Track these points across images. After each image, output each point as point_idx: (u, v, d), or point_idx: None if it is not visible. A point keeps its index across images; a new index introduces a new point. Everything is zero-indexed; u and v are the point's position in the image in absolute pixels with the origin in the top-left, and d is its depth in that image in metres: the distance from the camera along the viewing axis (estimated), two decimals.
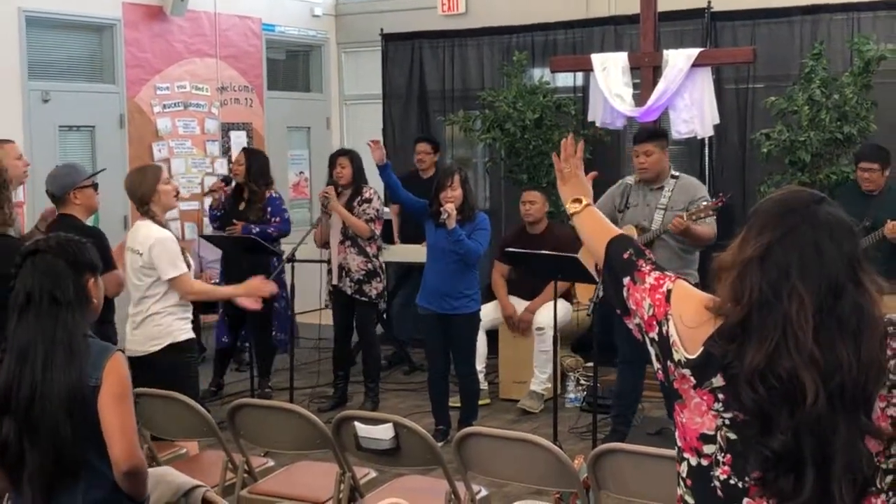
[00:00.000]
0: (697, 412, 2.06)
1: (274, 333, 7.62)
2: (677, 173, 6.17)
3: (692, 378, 2.05)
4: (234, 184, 7.66)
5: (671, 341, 2.10)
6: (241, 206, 7.49)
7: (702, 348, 2.04)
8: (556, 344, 6.27)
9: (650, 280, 2.21)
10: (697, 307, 2.09)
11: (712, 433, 2.04)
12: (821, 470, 1.91)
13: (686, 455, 2.10)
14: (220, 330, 7.78)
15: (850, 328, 1.92)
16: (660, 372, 2.14)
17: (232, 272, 7.33)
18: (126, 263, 5.18)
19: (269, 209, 7.47)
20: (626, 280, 2.24)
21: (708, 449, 2.05)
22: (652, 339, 2.16)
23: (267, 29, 10.27)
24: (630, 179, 6.28)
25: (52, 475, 2.93)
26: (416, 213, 6.54)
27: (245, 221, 7.36)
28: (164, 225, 5.14)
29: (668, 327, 2.11)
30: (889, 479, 1.99)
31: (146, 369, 4.99)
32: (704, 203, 5.81)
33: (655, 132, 6.30)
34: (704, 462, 2.06)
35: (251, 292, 5.32)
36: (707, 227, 5.81)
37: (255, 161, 7.57)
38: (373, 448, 4.13)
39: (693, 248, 6.01)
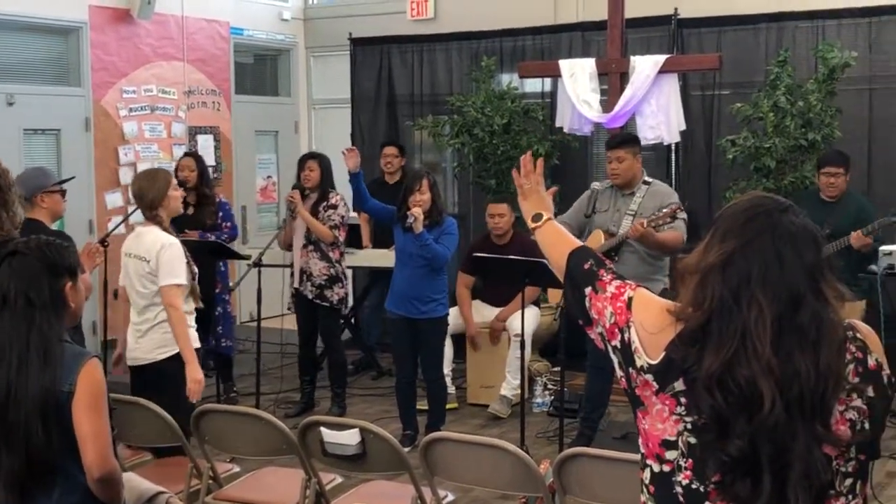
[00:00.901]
0: (659, 418, 2.07)
1: (223, 341, 7.53)
2: (650, 179, 6.19)
3: (654, 383, 2.07)
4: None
5: (633, 348, 2.11)
6: (190, 212, 7.36)
7: (663, 353, 2.05)
8: (523, 349, 6.28)
9: (611, 289, 2.22)
10: (658, 313, 2.10)
11: (674, 439, 2.05)
12: (777, 476, 1.93)
13: (649, 462, 2.11)
14: None
15: (810, 338, 1.94)
16: (623, 380, 2.15)
17: None
18: (127, 271, 5.07)
19: (220, 214, 7.44)
20: (588, 290, 2.26)
21: (670, 455, 2.06)
22: (614, 347, 2.17)
23: (235, 32, 10.24)
24: (598, 185, 6.31)
25: (25, 479, 2.90)
26: (384, 220, 6.54)
27: (200, 227, 7.29)
28: (170, 232, 5.07)
29: (629, 334, 2.13)
30: (848, 482, 2.01)
31: (153, 376, 4.96)
32: (663, 210, 5.83)
33: (628, 138, 6.32)
34: (666, 468, 2.07)
35: (192, 378, 4.93)
36: (671, 233, 5.81)
37: (203, 165, 7.52)
38: (339, 454, 4.12)
39: (662, 254, 6.03)
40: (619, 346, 2.16)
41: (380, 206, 6.47)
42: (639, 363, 2.09)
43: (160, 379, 4.93)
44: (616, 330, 2.16)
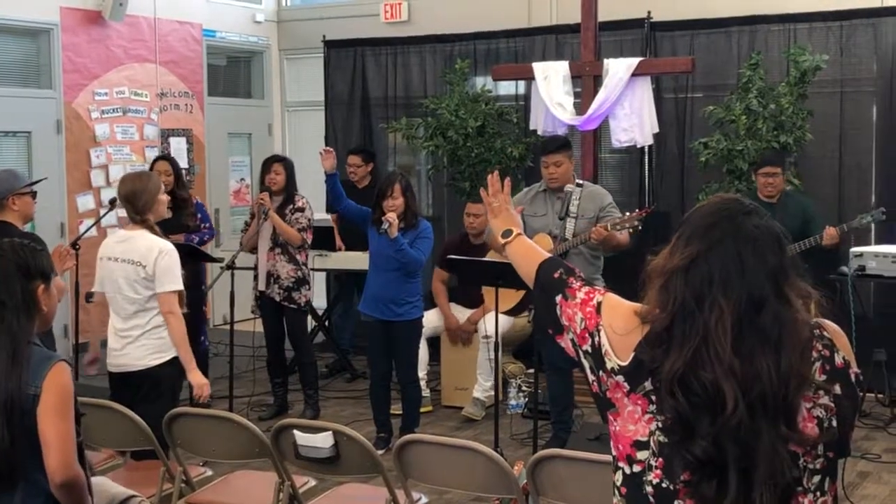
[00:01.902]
0: (631, 419, 2.08)
1: (203, 340, 7.53)
2: (581, 181, 6.29)
3: (626, 384, 2.08)
4: None
5: (603, 351, 2.13)
6: (168, 215, 7.34)
7: (632, 355, 2.07)
8: (497, 351, 6.28)
9: (581, 295, 2.25)
10: (627, 315, 2.13)
11: (645, 439, 2.06)
12: (743, 476, 1.95)
13: (621, 464, 2.12)
14: None
15: (772, 339, 1.97)
16: (594, 384, 2.17)
17: None
18: (113, 276, 4.96)
19: (199, 215, 7.43)
20: (558, 298, 2.28)
21: (641, 455, 2.07)
22: (585, 352, 2.19)
23: (208, 35, 10.20)
24: (539, 186, 6.36)
25: None
26: (358, 221, 6.52)
27: (184, 230, 7.27)
28: (162, 236, 5.01)
29: (599, 338, 2.15)
30: (816, 479, 2.02)
31: (145, 383, 4.91)
32: (627, 213, 5.91)
33: (565, 143, 6.38)
34: (637, 468, 2.08)
35: (197, 384, 4.99)
36: (625, 234, 5.93)
37: (178, 167, 7.51)
38: (312, 456, 4.10)
39: (600, 255, 6.17)
40: (589, 350, 2.18)
41: (354, 206, 6.46)
42: (609, 365, 2.11)
43: (154, 385, 4.88)
44: (586, 334, 2.19)
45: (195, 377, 4.96)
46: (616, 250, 6.04)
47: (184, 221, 7.31)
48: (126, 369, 4.95)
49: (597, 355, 2.15)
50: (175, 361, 4.96)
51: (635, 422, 2.07)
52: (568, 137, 6.89)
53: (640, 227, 5.86)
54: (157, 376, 4.92)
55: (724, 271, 2.00)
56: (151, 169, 7.51)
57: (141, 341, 4.93)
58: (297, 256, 7.02)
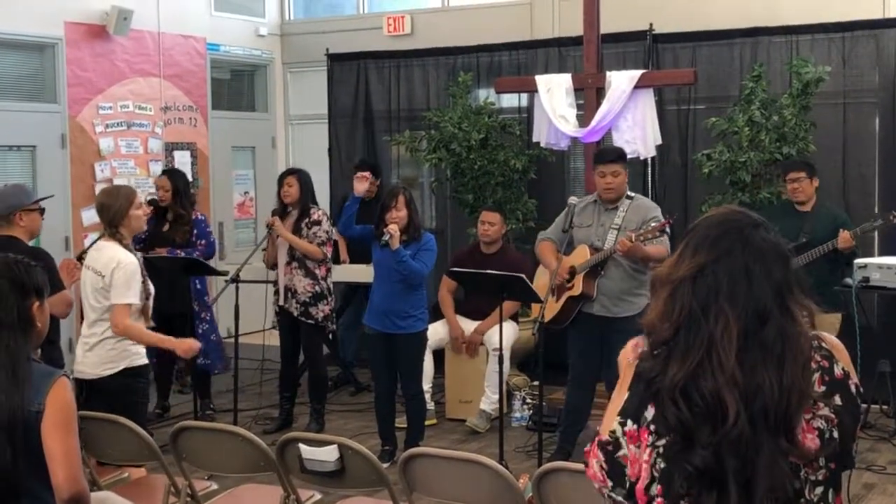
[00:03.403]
0: (645, 471, 2.07)
1: (200, 360, 7.49)
2: (633, 194, 6.22)
3: (634, 426, 2.08)
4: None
5: (621, 435, 2.13)
6: (166, 228, 7.40)
7: (628, 391, 2.09)
8: (501, 363, 6.30)
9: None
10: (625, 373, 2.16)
11: (650, 479, 2.06)
12: (744, 488, 1.95)
13: None
14: (150, 353, 7.67)
15: (775, 353, 1.97)
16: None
17: (158, 293, 7.28)
18: (84, 283, 5.08)
19: (195, 231, 7.43)
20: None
21: (654, 491, 2.06)
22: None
23: (211, 48, 10.22)
24: (574, 199, 6.34)
25: None
26: (365, 241, 6.52)
27: (170, 244, 7.28)
28: (130, 249, 5.05)
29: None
30: (819, 490, 2.02)
31: (98, 392, 4.93)
32: (653, 224, 5.87)
33: (622, 153, 6.33)
34: None
35: (183, 350, 5.17)
36: (657, 247, 5.84)
37: (180, 182, 7.52)
38: (317, 470, 4.10)
39: (644, 269, 6.04)
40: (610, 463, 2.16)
41: (358, 231, 6.44)
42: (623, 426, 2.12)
43: (106, 396, 4.88)
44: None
45: (178, 345, 5.11)
46: (647, 262, 5.94)
47: (171, 236, 7.32)
48: (84, 376, 4.99)
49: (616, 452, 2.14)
50: (128, 372, 4.98)
51: (647, 463, 2.06)
52: (623, 148, 6.76)
53: (662, 236, 5.81)
54: (108, 387, 4.94)
55: (732, 282, 2.00)
56: (155, 184, 7.56)
57: (95, 350, 5.01)
58: (316, 271, 6.99)
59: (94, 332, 5.03)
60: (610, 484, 2.13)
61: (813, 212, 6.83)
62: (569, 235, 6.14)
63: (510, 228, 7.92)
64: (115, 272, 4.92)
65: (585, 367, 6.14)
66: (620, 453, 2.11)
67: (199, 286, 7.51)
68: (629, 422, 2.09)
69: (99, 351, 5.00)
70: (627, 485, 2.10)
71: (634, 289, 5.99)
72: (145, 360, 5.10)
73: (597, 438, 2.17)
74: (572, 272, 6.06)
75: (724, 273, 2.01)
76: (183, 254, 7.17)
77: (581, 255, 6.08)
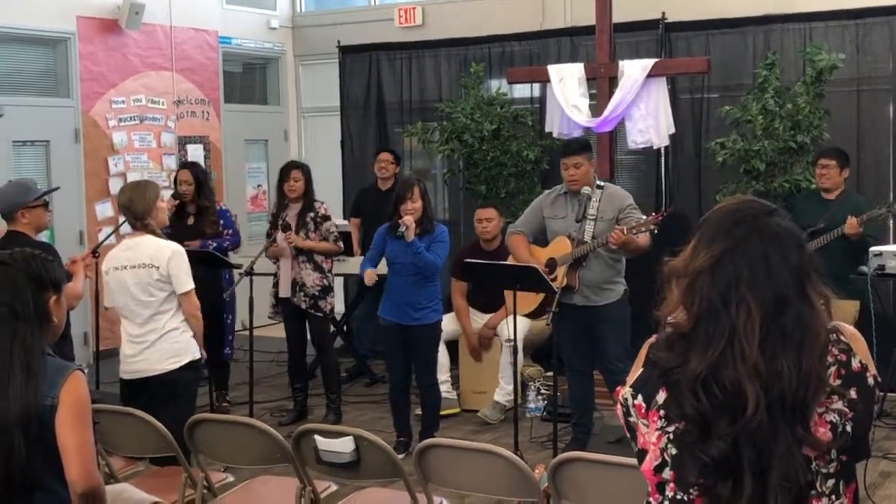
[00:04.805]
0: (654, 452, 2.07)
1: (227, 350, 7.56)
2: (602, 183, 6.26)
3: (643, 403, 2.08)
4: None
5: (631, 405, 2.14)
6: (191, 221, 7.41)
7: (642, 367, 2.08)
8: (515, 354, 6.30)
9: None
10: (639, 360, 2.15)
11: (659, 461, 2.06)
12: (758, 478, 1.94)
13: (652, 500, 2.11)
14: None
15: (794, 340, 1.96)
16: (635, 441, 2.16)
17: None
18: (123, 283, 5.00)
19: (221, 221, 7.44)
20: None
21: (666, 475, 2.06)
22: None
23: (223, 42, 10.24)
24: (560, 189, 6.35)
25: (4, 493, 2.86)
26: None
27: (201, 237, 7.31)
28: (164, 239, 5.07)
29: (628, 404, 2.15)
30: (830, 482, 2.01)
31: (164, 387, 4.94)
32: (644, 217, 5.90)
33: (585, 144, 6.36)
34: (669, 492, 2.06)
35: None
36: (644, 237, 5.90)
37: (202, 174, 7.54)
38: (333, 461, 4.11)
39: (621, 257, 6.12)
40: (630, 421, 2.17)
41: (378, 256, 6.40)
42: (632, 399, 2.12)
43: (173, 390, 4.91)
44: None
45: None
46: (636, 253, 6.00)
47: (202, 228, 7.35)
48: (143, 375, 4.98)
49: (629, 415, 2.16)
50: (191, 365, 4.99)
51: (655, 445, 2.07)
52: (588, 139, 6.87)
53: (655, 231, 5.85)
54: (174, 381, 4.96)
55: (751, 270, 1.99)
56: (175, 178, 7.58)
57: (157, 346, 4.97)
58: (323, 265, 7.01)
59: (151, 328, 4.98)
60: (628, 434, 2.17)
61: (836, 200, 6.90)
62: (541, 226, 6.22)
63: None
64: (171, 261, 4.92)
65: (578, 357, 6.24)
66: (631, 419, 2.14)
67: (227, 277, 7.53)
68: (640, 396, 2.10)
69: (162, 345, 4.98)
70: (636, 449, 2.14)
71: (613, 277, 6.10)
72: (198, 355, 5.11)
73: (620, 389, 2.18)
74: (551, 264, 6.08)
75: (743, 261, 2.00)
76: (214, 245, 7.20)
77: (561, 247, 6.10)
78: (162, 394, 4.92)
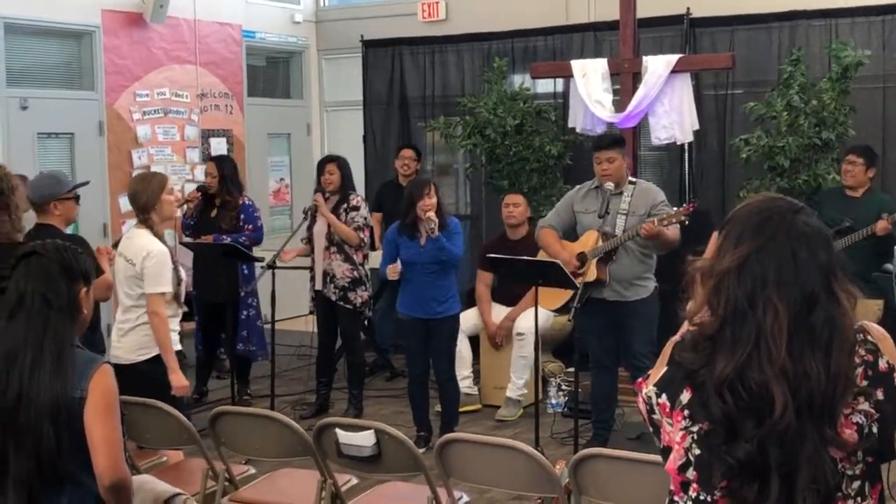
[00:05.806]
0: (678, 451, 2.07)
1: (240, 346, 7.54)
2: (634, 179, 6.26)
3: (667, 402, 2.07)
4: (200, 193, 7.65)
5: (655, 403, 2.13)
6: (213, 214, 7.48)
7: (666, 367, 2.07)
8: (537, 349, 6.28)
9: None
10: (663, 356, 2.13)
11: (684, 460, 2.05)
12: (785, 480, 1.92)
13: (677, 499, 2.10)
14: (197, 339, 7.76)
15: (822, 340, 1.94)
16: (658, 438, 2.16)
17: (205, 279, 7.36)
18: (118, 270, 5.15)
19: (241, 216, 7.47)
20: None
21: (689, 475, 2.05)
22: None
23: (247, 35, 10.25)
24: (591, 183, 6.33)
25: (34, 483, 2.87)
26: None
27: (217, 230, 7.34)
28: (160, 236, 5.11)
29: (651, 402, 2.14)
30: (856, 484, 2.00)
31: (132, 378, 4.95)
32: (675, 209, 5.90)
33: (617, 139, 6.38)
34: (693, 492, 2.06)
35: (175, 387, 5.03)
36: (675, 230, 5.89)
37: (227, 168, 7.58)
38: (354, 455, 4.12)
39: (652, 253, 6.11)
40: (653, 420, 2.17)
41: (392, 261, 6.38)
42: (653, 398, 2.12)
43: (139, 380, 4.90)
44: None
45: (175, 380, 5.01)
46: (666, 248, 5.99)
47: (218, 222, 7.39)
48: (118, 361, 5.00)
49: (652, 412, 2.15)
50: (159, 359, 5.02)
51: (679, 444, 2.05)
52: (621, 134, 6.82)
53: (686, 222, 5.82)
54: (142, 372, 4.98)
55: (778, 270, 1.97)
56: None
57: (129, 336, 5.07)
58: (354, 256, 7.01)
59: (128, 317, 5.10)
60: (651, 430, 2.17)
61: (861, 198, 6.88)
62: (571, 221, 6.21)
63: (542, 215, 7.89)
64: (145, 261, 4.98)
65: (604, 352, 6.21)
66: (655, 417, 2.13)
67: (246, 272, 7.55)
68: (664, 395, 2.09)
69: (133, 336, 5.06)
70: (661, 445, 2.13)
71: (643, 273, 6.10)
72: (178, 346, 5.14)
73: (643, 383, 2.16)
74: (582, 258, 6.08)
75: (770, 260, 1.97)
76: (228, 239, 7.22)
77: (591, 241, 6.09)
78: (132, 383, 4.85)
